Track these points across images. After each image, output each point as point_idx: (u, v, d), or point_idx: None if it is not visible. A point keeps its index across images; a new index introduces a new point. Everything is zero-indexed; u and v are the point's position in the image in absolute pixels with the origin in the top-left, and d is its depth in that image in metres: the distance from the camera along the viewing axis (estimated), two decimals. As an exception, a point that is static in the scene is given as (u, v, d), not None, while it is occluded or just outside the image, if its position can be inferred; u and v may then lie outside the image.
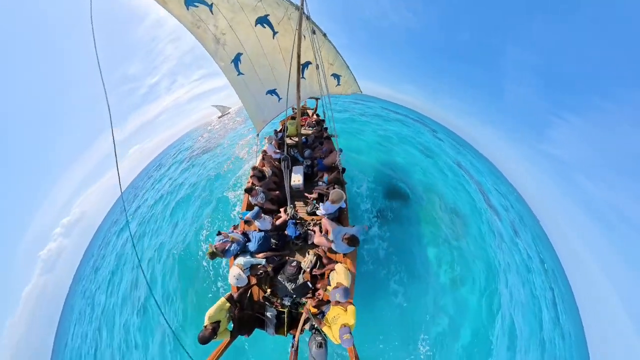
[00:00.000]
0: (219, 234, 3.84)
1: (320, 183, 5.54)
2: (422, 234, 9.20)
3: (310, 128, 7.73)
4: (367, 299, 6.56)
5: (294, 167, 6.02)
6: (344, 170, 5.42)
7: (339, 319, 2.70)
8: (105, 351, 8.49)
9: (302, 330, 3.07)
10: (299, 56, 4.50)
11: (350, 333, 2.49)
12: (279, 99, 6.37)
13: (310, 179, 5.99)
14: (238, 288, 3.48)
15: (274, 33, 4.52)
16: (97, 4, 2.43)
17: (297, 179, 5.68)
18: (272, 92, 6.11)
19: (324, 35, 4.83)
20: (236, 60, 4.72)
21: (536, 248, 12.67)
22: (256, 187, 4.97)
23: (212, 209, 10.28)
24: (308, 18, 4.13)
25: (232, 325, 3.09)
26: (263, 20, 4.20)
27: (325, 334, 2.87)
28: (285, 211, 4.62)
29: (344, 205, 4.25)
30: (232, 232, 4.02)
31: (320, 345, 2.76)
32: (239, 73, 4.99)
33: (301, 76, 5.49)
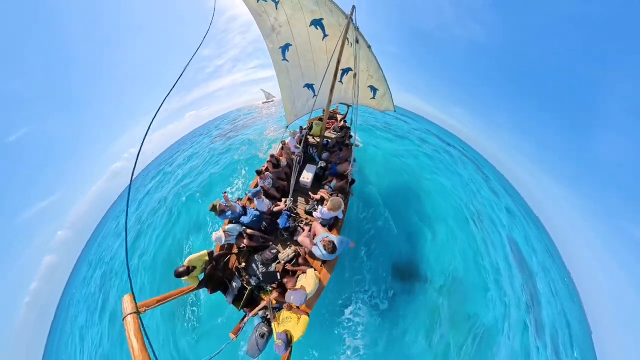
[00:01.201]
0: (224, 195, 4.28)
1: (326, 187, 5.60)
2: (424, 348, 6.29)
3: (335, 132, 7.87)
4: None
5: (307, 165, 6.22)
6: (353, 181, 5.41)
7: (288, 324, 2.70)
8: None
9: (255, 314, 3.27)
10: (338, 61, 4.67)
11: (286, 342, 2.41)
12: (314, 95, 6.62)
13: (319, 180, 6.12)
14: (221, 248, 3.88)
15: (324, 36, 4.79)
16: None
17: (307, 176, 5.87)
18: (309, 86, 6.39)
19: (369, 47, 4.89)
20: (284, 48, 5.18)
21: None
22: (266, 172, 5.35)
23: (229, 175, 12.44)
24: (356, 28, 4.27)
25: (202, 276, 3.44)
26: (317, 23, 4.52)
27: (272, 328, 2.92)
28: (284, 202, 4.85)
29: (340, 215, 4.24)
30: (235, 202, 4.41)
31: (262, 336, 2.85)
32: (284, 58, 5.42)
33: (338, 79, 5.68)
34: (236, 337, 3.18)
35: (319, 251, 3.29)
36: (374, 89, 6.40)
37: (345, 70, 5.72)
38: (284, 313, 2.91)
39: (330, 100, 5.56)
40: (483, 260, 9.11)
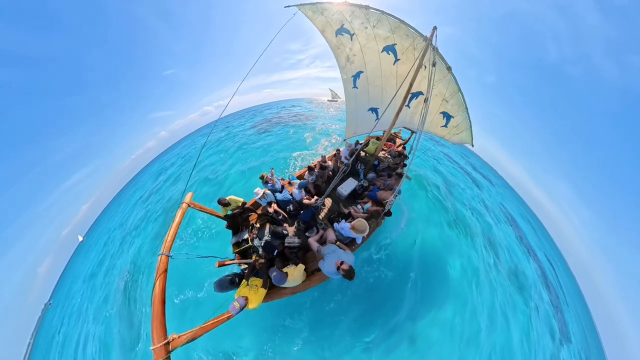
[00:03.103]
0: (272, 170, 5.39)
1: (359, 206, 5.42)
2: None
3: (390, 157, 7.72)
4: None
5: (350, 179, 6.33)
6: (389, 213, 4.84)
7: (251, 291, 2.93)
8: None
9: (240, 264, 3.83)
10: (411, 84, 4.67)
11: (241, 307, 2.61)
12: (377, 118, 6.69)
13: (355, 197, 6.01)
14: (253, 203, 5.12)
15: (396, 60, 4.95)
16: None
17: (345, 188, 5.92)
18: (374, 110, 6.53)
19: (448, 68, 4.54)
20: (356, 76, 5.71)
21: None
22: (316, 170, 5.97)
23: (277, 157, 14.71)
24: (434, 49, 4.16)
25: (230, 213, 4.54)
26: (389, 48, 4.76)
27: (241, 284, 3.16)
28: (316, 200, 5.21)
29: (359, 241, 4.01)
30: (278, 179, 5.43)
31: (232, 282, 3.05)
32: (354, 86, 5.99)
33: (406, 104, 5.52)
34: (218, 267, 3.66)
35: (331, 270, 3.00)
36: (447, 116, 5.73)
37: (415, 95, 5.60)
38: (257, 280, 3.17)
39: (393, 124, 5.54)
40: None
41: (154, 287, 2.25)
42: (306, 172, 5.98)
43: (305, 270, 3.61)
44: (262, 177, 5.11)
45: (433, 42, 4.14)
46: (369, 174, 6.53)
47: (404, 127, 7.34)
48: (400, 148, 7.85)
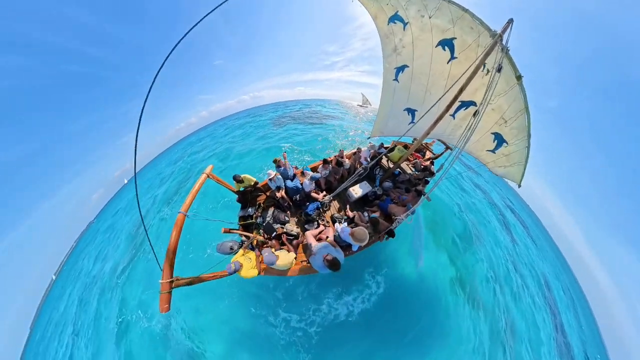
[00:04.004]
0: (284, 154, 5.57)
1: (365, 214, 5.05)
2: None
3: (414, 170, 6.95)
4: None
5: (364, 182, 5.78)
6: (392, 234, 4.36)
7: (246, 260, 3.36)
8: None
9: (241, 235, 4.35)
10: (462, 89, 3.91)
11: (235, 269, 3.05)
12: (412, 122, 5.95)
13: (365, 203, 5.56)
14: (264, 185, 5.32)
15: (451, 58, 4.14)
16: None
17: (357, 191, 5.47)
18: (411, 111, 5.79)
19: (518, 77, 3.54)
20: (399, 69, 5.03)
21: None
22: (331, 165, 5.75)
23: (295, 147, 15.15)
24: (504, 50, 3.32)
25: (242, 190, 5.04)
26: (446, 43, 3.97)
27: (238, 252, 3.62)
28: (324, 196, 5.12)
29: (354, 248, 3.62)
30: (291, 167, 5.52)
31: (231, 248, 3.47)
32: (395, 79, 5.31)
33: (451, 112, 4.79)
34: (223, 232, 4.18)
35: (314, 260, 3.11)
36: (500, 140, 4.64)
37: (465, 104, 4.63)
38: (251, 254, 3.59)
39: (427, 133, 4.81)
40: None
41: (170, 238, 2.72)
42: (321, 165, 5.72)
43: (295, 259, 3.91)
44: (275, 161, 5.29)
45: (504, 40, 3.30)
46: (385, 183, 5.90)
47: (438, 140, 6.41)
48: (428, 162, 6.98)
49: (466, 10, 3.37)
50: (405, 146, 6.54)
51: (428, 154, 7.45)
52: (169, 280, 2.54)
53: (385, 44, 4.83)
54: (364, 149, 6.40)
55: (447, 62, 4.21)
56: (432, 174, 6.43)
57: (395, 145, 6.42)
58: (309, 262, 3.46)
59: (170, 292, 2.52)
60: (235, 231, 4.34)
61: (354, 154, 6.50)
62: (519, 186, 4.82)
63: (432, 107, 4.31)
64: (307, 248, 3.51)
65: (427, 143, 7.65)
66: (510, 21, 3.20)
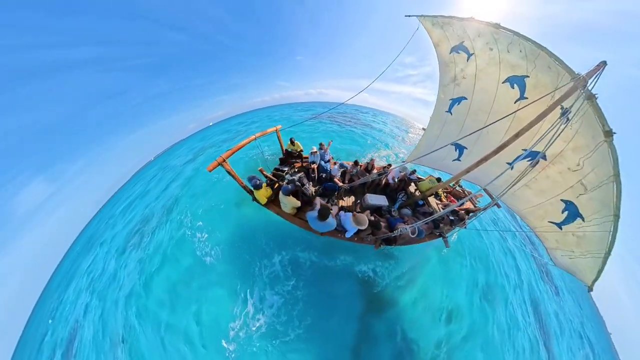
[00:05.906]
0: (330, 142, 7.12)
1: (372, 219, 4.90)
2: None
3: (442, 207, 5.94)
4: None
5: (383, 196, 5.50)
6: (390, 242, 4.42)
7: (264, 190, 4.88)
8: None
9: (268, 177, 5.74)
10: (523, 131, 3.36)
11: (258, 182, 4.67)
12: (458, 159, 5.40)
13: (374, 213, 5.34)
14: (306, 157, 6.91)
15: (521, 98, 3.67)
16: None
17: (376, 199, 5.28)
18: (459, 148, 5.25)
19: (606, 133, 2.69)
20: (455, 101, 4.77)
21: None
22: (360, 167, 6.19)
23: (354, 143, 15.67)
24: (593, 97, 2.75)
25: (290, 151, 6.95)
26: (516, 81, 3.59)
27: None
28: (344, 182, 5.81)
29: (349, 235, 4.21)
30: (329, 153, 6.59)
31: (255, 184, 4.64)
32: (449, 110, 5.04)
33: (510, 162, 3.95)
34: (258, 170, 6.00)
35: (317, 224, 4.05)
36: (573, 213, 3.36)
37: (532, 155, 3.61)
38: (269, 190, 5.10)
39: (467, 171, 4.29)
40: None
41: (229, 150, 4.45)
42: (352, 164, 6.33)
43: (297, 210, 4.92)
44: (321, 144, 6.56)
45: (589, 86, 2.75)
46: (405, 209, 5.45)
47: (483, 189, 5.30)
48: (463, 211, 6.04)
49: (543, 49, 3.07)
50: (439, 179, 5.88)
51: (468, 205, 6.36)
52: (222, 160, 4.21)
53: (445, 72, 4.67)
54: (395, 167, 6.09)
55: (515, 102, 3.76)
56: (460, 219, 5.65)
57: (429, 177, 5.90)
58: (305, 219, 4.31)
59: (219, 164, 4.15)
60: (267, 174, 5.76)
61: (384, 168, 6.29)
62: (590, 289, 3.40)
63: (490, 153, 3.80)
64: (310, 204, 4.88)
65: (474, 195, 6.24)
66: (602, 64, 2.68)
